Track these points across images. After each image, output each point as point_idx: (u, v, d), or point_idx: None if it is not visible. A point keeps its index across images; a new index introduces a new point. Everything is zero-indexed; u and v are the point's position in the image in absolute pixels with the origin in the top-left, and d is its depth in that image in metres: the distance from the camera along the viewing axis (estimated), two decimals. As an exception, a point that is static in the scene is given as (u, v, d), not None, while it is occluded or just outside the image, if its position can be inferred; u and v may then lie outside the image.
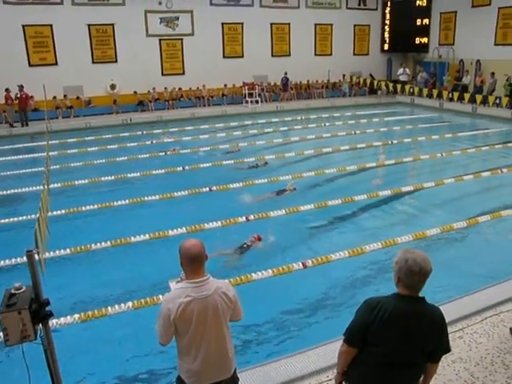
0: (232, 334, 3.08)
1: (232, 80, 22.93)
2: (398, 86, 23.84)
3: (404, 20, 25.66)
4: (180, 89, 22.35)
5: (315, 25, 25.06)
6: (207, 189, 10.17)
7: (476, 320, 5.00)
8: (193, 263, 2.86)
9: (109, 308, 5.69)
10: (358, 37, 26.46)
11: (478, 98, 20.28)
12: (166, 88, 21.76)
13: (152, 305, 5.62)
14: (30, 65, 19.61)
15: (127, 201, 9.50)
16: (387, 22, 26.56)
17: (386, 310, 2.67)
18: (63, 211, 8.96)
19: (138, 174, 11.53)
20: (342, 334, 2.88)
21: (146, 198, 9.63)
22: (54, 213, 8.83)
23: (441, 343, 2.76)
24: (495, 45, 21.72)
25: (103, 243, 7.46)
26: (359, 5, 26.01)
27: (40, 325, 2.79)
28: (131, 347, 5.22)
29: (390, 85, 24.06)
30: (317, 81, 25.27)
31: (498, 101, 19.79)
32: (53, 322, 4.97)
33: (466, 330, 4.82)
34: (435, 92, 22.50)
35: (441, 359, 2.88)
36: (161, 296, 5.52)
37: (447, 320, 4.73)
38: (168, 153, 13.85)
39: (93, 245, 7.41)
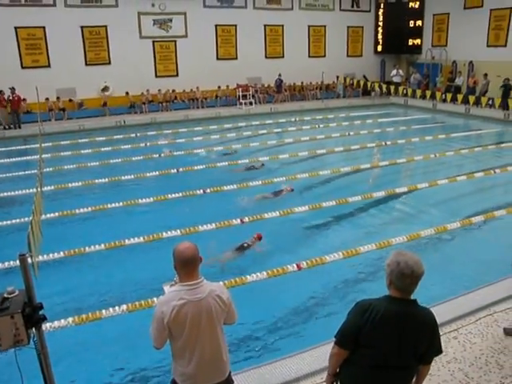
0: (226, 337, 3.07)
1: (226, 82, 22.92)
2: (392, 88, 23.90)
3: (397, 21, 25.80)
4: (174, 91, 22.31)
5: (309, 26, 25.12)
6: (201, 191, 10.13)
7: (470, 320, 5.02)
8: (186, 266, 2.85)
9: (103, 311, 5.66)
10: (351, 38, 26.55)
11: (471, 99, 20.38)
12: (159, 90, 21.72)
13: (146, 307, 5.59)
14: (22, 67, 19.49)
15: (121, 203, 9.44)
16: (380, 23, 26.68)
17: (378, 312, 2.67)
18: (56, 214, 8.92)
19: (132, 176, 11.48)
20: (334, 335, 2.87)
21: (140, 201, 9.60)
22: (48, 216, 8.78)
23: (432, 345, 2.76)
24: (487, 46, 21.88)
25: (97, 246, 7.42)
26: (352, 6, 26.09)
27: (33, 329, 2.77)
28: (125, 350, 5.19)
29: (384, 86, 24.13)
30: (310, 82, 25.31)
31: (490, 102, 19.89)
32: (46, 326, 4.93)
33: (460, 331, 4.84)
34: (428, 93, 22.58)
35: (433, 361, 2.88)
36: (155, 299, 5.50)
37: (442, 320, 4.75)
38: (162, 155, 13.82)
39: (87, 248, 7.37)
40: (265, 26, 24.00)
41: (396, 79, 24.77)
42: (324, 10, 25.28)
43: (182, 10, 21.88)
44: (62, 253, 7.24)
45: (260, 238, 7.66)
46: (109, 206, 9.33)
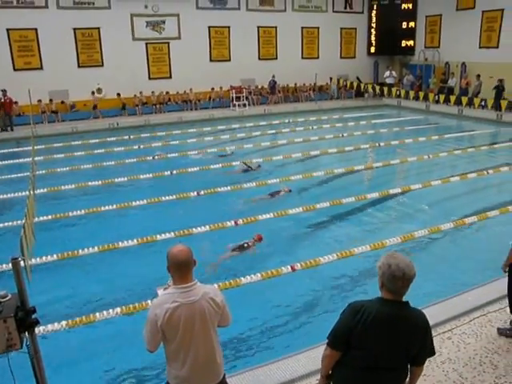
0: (220, 339, 3.06)
1: (219, 83, 22.90)
2: (385, 89, 24.00)
3: (390, 23, 25.91)
4: (167, 92, 22.27)
5: (302, 28, 25.17)
6: (195, 193, 10.11)
7: (464, 321, 5.04)
8: (180, 269, 2.84)
9: (97, 314, 5.63)
10: (344, 40, 26.62)
11: (464, 100, 20.49)
12: (153, 92, 21.66)
13: (140, 310, 5.57)
14: (14, 69, 19.38)
15: (114, 206, 9.41)
16: (373, 25, 26.76)
17: (370, 314, 2.68)
18: (49, 217, 8.86)
19: (126, 178, 11.43)
20: (326, 337, 2.87)
21: (133, 203, 9.55)
22: (41, 218, 8.73)
23: (424, 346, 2.76)
24: (480, 47, 22.01)
25: (90, 249, 7.38)
26: (345, 8, 26.16)
27: (26, 333, 2.74)
28: (119, 353, 5.17)
29: (377, 87, 24.21)
30: (304, 84, 25.36)
31: (483, 103, 19.99)
32: (39, 330, 4.90)
33: (454, 331, 4.85)
34: (421, 94, 22.69)
35: (427, 361, 2.89)
36: (149, 301, 5.48)
37: (436, 321, 4.76)
38: (156, 157, 13.78)
39: (80, 250, 7.33)
40: (258, 27, 24.03)
41: (389, 80, 24.87)
42: (317, 12, 25.33)
43: (174, 11, 21.86)
44: (55, 256, 7.19)
45: (260, 239, 7.66)
46: (102, 208, 9.29)
